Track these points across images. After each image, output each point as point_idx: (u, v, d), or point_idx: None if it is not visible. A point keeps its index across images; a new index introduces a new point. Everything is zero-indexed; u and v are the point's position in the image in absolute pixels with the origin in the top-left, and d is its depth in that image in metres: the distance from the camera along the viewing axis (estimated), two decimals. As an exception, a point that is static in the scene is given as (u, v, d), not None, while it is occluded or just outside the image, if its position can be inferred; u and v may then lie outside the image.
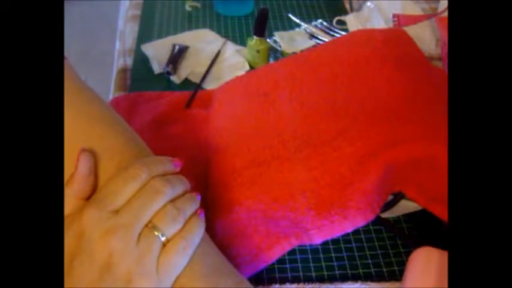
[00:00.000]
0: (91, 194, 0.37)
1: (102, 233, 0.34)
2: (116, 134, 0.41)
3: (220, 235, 0.47)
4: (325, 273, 0.51)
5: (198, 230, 0.38)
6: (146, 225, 0.35)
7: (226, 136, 0.56)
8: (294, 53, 0.77)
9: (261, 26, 0.73)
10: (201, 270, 0.38)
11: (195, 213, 0.38)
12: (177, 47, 0.77)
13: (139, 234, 0.35)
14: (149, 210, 0.36)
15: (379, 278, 0.51)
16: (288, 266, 0.52)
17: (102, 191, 0.36)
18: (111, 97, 0.71)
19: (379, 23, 0.82)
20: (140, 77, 0.74)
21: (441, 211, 0.48)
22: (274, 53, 0.79)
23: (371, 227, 0.55)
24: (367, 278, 0.51)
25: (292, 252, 0.52)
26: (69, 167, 0.37)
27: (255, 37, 0.74)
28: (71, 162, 0.38)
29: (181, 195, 0.39)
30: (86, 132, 0.40)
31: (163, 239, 0.35)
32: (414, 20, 0.80)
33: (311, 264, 0.52)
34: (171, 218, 0.36)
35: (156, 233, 0.35)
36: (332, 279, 0.51)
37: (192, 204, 0.39)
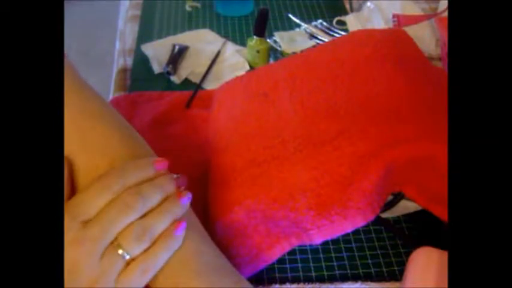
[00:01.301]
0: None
1: (69, 241, 0.34)
2: (113, 130, 0.41)
3: (220, 235, 0.47)
4: (325, 273, 0.51)
5: (165, 250, 0.37)
6: (112, 242, 0.35)
7: (226, 136, 0.56)
8: (294, 53, 0.77)
9: (261, 26, 0.73)
10: (197, 268, 0.38)
11: (168, 229, 0.37)
12: (177, 47, 0.77)
13: (105, 250, 0.35)
14: (117, 226, 0.35)
15: (379, 278, 0.51)
16: (288, 266, 0.52)
17: (76, 199, 0.36)
18: (111, 97, 0.71)
19: (379, 23, 0.82)
20: (140, 77, 0.74)
21: (441, 211, 0.48)
22: (274, 53, 0.79)
23: (371, 227, 0.55)
24: (367, 278, 0.51)
25: (292, 252, 0.52)
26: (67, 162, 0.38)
27: (255, 37, 0.74)
28: (68, 157, 0.38)
29: (159, 204, 0.38)
30: (84, 128, 0.40)
31: (127, 257, 0.35)
32: (414, 20, 0.80)
33: (311, 264, 0.52)
34: (136, 237, 0.36)
35: (119, 252, 0.35)
36: (332, 279, 0.51)
37: (166, 219, 0.37)
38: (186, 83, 0.74)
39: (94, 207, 0.35)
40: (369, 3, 0.86)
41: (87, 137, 0.40)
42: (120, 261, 0.35)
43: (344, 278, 0.51)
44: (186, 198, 0.40)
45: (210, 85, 0.72)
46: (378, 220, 0.53)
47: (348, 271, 0.51)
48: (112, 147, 0.40)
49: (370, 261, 0.52)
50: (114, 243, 0.35)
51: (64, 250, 0.33)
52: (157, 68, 0.75)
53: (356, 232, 0.54)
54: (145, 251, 0.36)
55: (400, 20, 0.79)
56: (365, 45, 0.60)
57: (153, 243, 0.36)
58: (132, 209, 0.36)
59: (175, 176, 0.41)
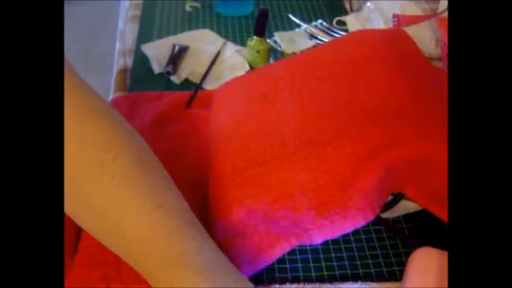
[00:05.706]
0: None
1: None
2: (114, 127, 0.42)
3: (220, 235, 0.47)
4: (325, 273, 0.51)
5: None
6: None
7: (226, 136, 0.56)
8: (294, 53, 0.77)
9: (261, 26, 0.73)
10: (199, 266, 0.38)
11: None
12: (177, 47, 0.77)
13: None
14: None
15: (379, 278, 0.51)
16: (288, 266, 0.52)
17: None
18: (111, 97, 0.71)
19: (379, 24, 0.82)
20: (140, 77, 0.74)
21: (441, 211, 0.48)
22: (274, 53, 0.79)
23: (371, 227, 0.55)
24: (367, 278, 0.51)
25: (292, 252, 0.52)
26: (66, 159, 0.38)
27: (255, 37, 0.74)
28: (67, 154, 0.38)
29: None
30: (85, 126, 0.40)
31: None
32: (414, 20, 0.80)
33: (311, 264, 0.52)
34: None
35: None
36: (332, 279, 0.51)
37: None
38: (186, 83, 0.74)
39: None
40: (369, 3, 0.86)
41: (89, 134, 0.40)
42: None
43: (344, 278, 0.51)
44: None
45: (210, 85, 0.72)
46: (378, 220, 0.53)
47: (348, 271, 0.51)
48: (115, 142, 0.40)
49: (370, 261, 0.52)
50: None
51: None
52: (157, 68, 0.75)
53: (356, 232, 0.54)
54: None
55: (400, 20, 0.79)
56: (365, 45, 0.60)
57: None
58: None
59: None
